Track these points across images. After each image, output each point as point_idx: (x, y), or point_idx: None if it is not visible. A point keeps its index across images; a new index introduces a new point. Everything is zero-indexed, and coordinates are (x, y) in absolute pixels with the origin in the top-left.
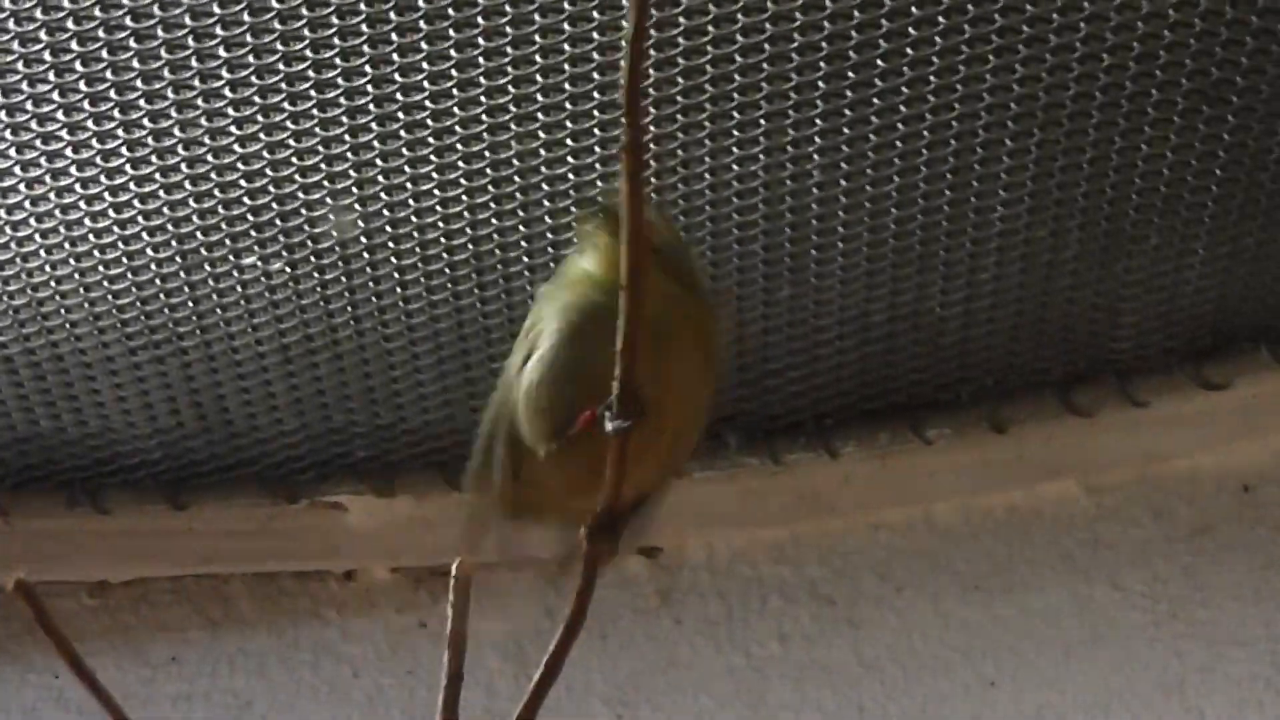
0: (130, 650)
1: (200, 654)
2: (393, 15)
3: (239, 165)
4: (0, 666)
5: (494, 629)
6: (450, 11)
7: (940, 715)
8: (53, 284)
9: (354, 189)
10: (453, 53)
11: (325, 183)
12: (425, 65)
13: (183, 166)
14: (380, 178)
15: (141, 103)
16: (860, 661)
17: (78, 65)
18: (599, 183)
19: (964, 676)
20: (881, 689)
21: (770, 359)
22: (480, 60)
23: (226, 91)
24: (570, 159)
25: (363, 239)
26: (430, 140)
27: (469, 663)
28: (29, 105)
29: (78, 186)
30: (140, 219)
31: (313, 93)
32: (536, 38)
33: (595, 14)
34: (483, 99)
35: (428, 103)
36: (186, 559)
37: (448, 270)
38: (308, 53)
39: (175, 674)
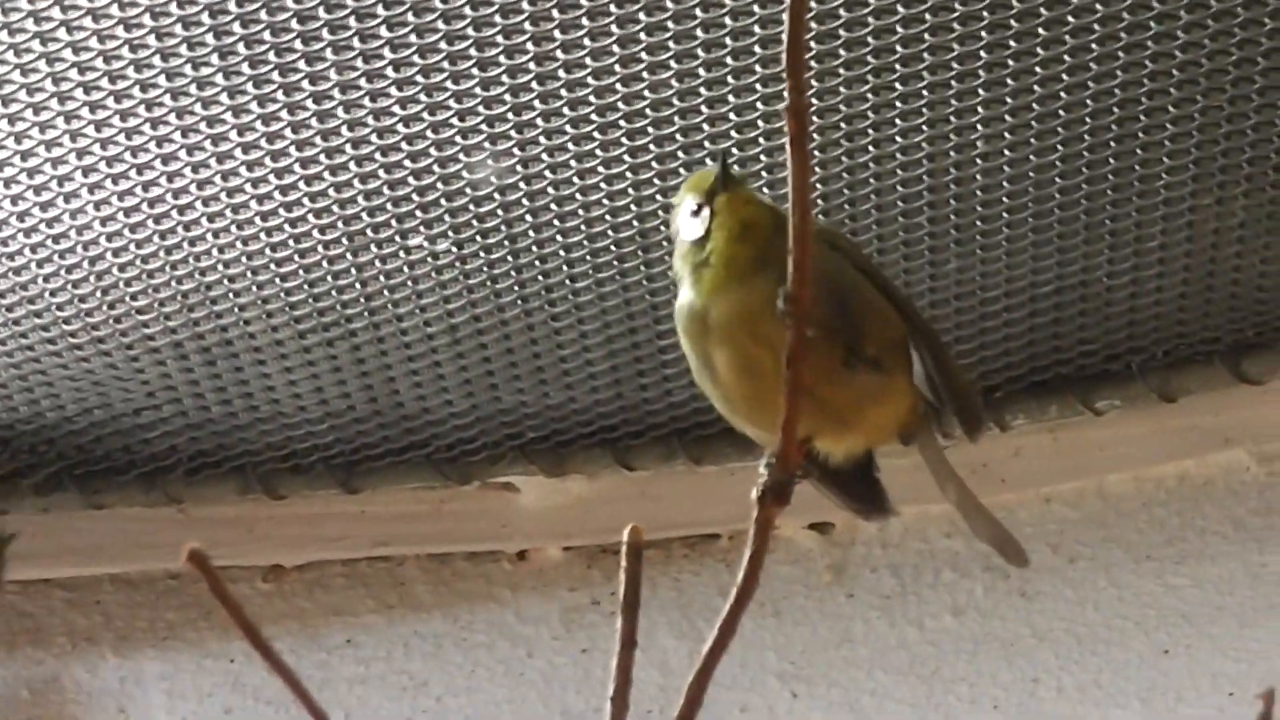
0: (306, 634)
1: (375, 637)
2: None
3: (403, 146)
4: (177, 652)
5: (668, 608)
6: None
7: (1114, 685)
8: (221, 269)
9: (519, 168)
10: (614, 29)
11: (490, 162)
12: (587, 41)
13: (347, 148)
14: (545, 155)
15: (305, 84)
16: (1034, 633)
17: (241, 48)
18: (763, 156)
19: (1138, 646)
20: (1055, 660)
21: (939, 331)
22: (641, 36)
23: (390, 72)
24: (734, 133)
25: (529, 218)
26: (594, 118)
27: (643, 641)
28: (193, 89)
29: (243, 170)
30: (306, 201)
31: (475, 71)
32: (698, 11)
33: None
34: (645, 75)
35: (590, 80)
36: (360, 542)
37: (614, 248)
38: (470, 31)
39: (351, 657)
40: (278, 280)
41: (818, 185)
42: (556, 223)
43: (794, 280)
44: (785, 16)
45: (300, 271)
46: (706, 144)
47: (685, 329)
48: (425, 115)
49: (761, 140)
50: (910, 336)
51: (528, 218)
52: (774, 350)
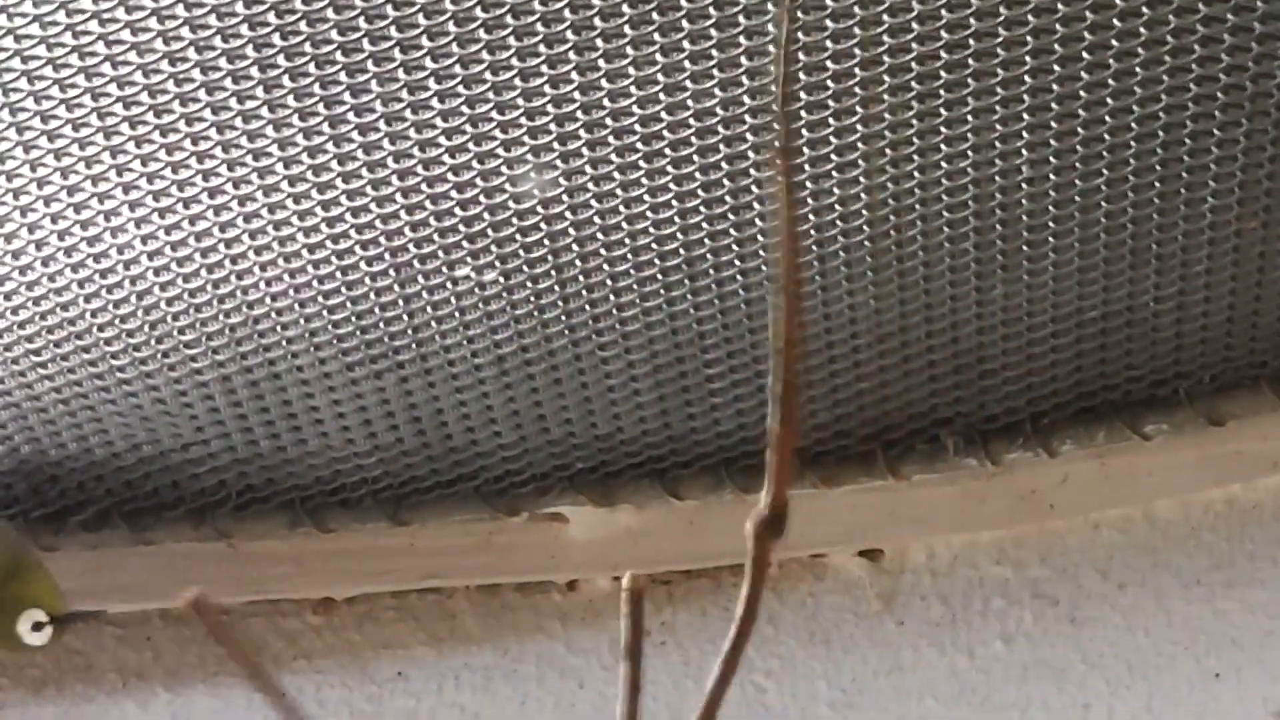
0: (356, 667)
1: (426, 670)
2: (598, 21)
3: (449, 176)
4: (227, 687)
5: (719, 637)
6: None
7: (1165, 710)
8: (269, 303)
9: (565, 197)
10: (659, 57)
11: (533, 175)
12: (631, 71)
13: (394, 179)
14: (591, 185)
15: (351, 116)
16: (1084, 659)
17: (282, 60)
18: (808, 183)
19: (1188, 671)
20: (1106, 686)
21: (985, 359)
22: (685, 64)
23: (434, 103)
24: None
25: (575, 248)
26: (639, 146)
27: (693, 671)
28: (234, 103)
29: (290, 203)
30: (353, 233)
31: (520, 101)
32: (741, 19)
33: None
34: (690, 103)
35: (635, 109)
36: (409, 575)
37: (660, 276)
38: (514, 61)
39: (402, 690)
40: (325, 313)
41: (863, 211)
42: (603, 252)
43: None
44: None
45: (347, 304)
46: (752, 171)
47: None
48: (471, 146)
49: (806, 167)
50: None
51: (574, 247)
52: None
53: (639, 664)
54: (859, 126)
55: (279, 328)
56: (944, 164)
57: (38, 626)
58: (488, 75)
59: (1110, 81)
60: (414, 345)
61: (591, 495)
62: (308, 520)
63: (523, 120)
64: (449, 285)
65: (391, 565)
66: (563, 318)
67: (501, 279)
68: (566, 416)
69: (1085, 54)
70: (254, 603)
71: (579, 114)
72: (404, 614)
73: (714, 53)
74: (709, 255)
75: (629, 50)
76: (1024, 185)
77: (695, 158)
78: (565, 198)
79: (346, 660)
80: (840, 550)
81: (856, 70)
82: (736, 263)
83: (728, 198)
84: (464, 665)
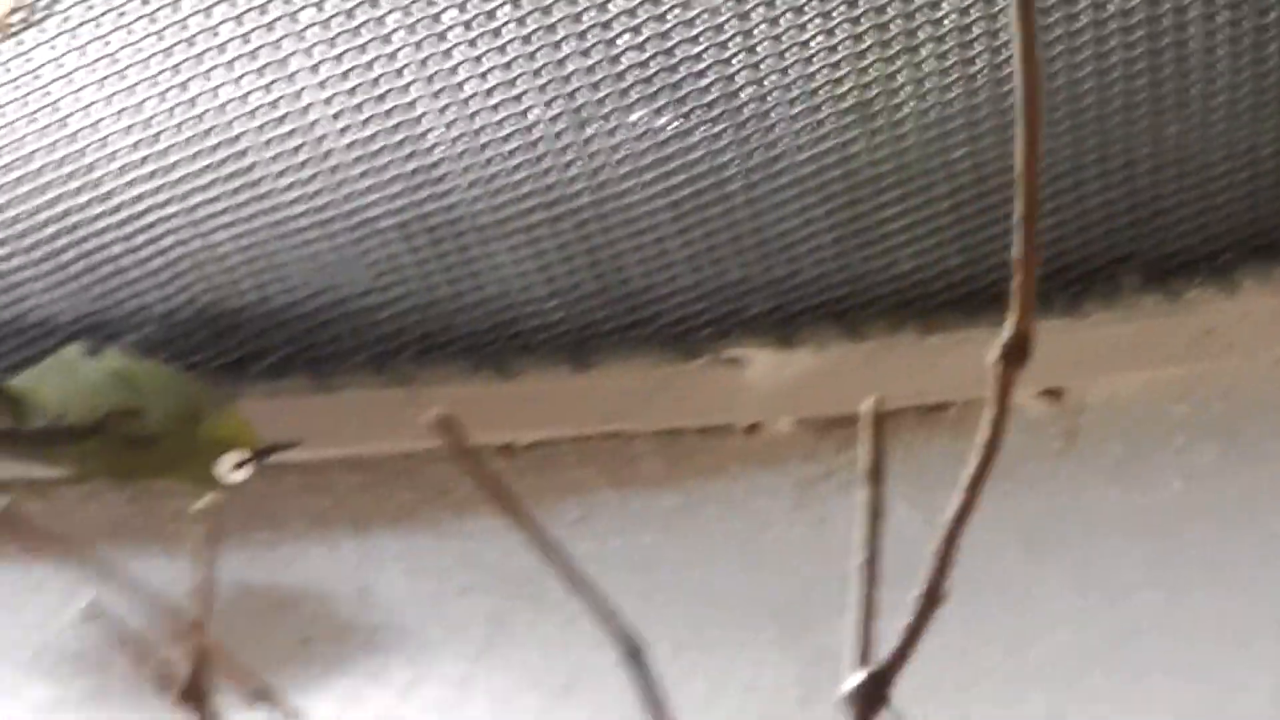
0: (540, 511)
1: (609, 513)
2: None
3: (623, 19)
4: (413, 531)
5: (900, 478)
6: None
7: None
8: (445, 148)
9: (738, 39)
10: None
11: (710, 34)
12: None
13: (565, 24)
14: (763, 26)
15: None
16: (1266, 495)
17: None
18: (982, 22)
19: None
20: None
21: (1161, 196)
22: None
23: None
24: None
25: (749, 89)
26: None
27: None
28: None
29: (464, 48)
30: (528, 77)
31: None
32: None
33: None
34: None
35: None
36: (590, 419)
37: (834, 118)
38: None
39: (585, 533)
40: (501, 158)
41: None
42: (778, 94)
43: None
44: None
45: (524, 149)
46: (926, 9)
47: None
48: None
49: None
50: None
51: (749, 89)
52: None
53: (880, 487)
54: None
55: (456, 173)
56: (1115, 2)
57: (238, 465)
58: None
59: None
60: (590, 190)
61: (770, 338)
62: (488, 365)
63: None
64: (624, 130)
65: (572, 409)
66: (737, 160)
67: (676, 122)
68: (743, 259)
69: None
70: (437, 448)
71: None
72: (586, 458)
73: None
74: (883, 96)
75: None
76: (1197, 23)
77: None
78: (739, 39)
79: (529, 505)
80: (1022, 390)
81: None
82: (911, 102)
83: (903, 37)
84: (647, 508)
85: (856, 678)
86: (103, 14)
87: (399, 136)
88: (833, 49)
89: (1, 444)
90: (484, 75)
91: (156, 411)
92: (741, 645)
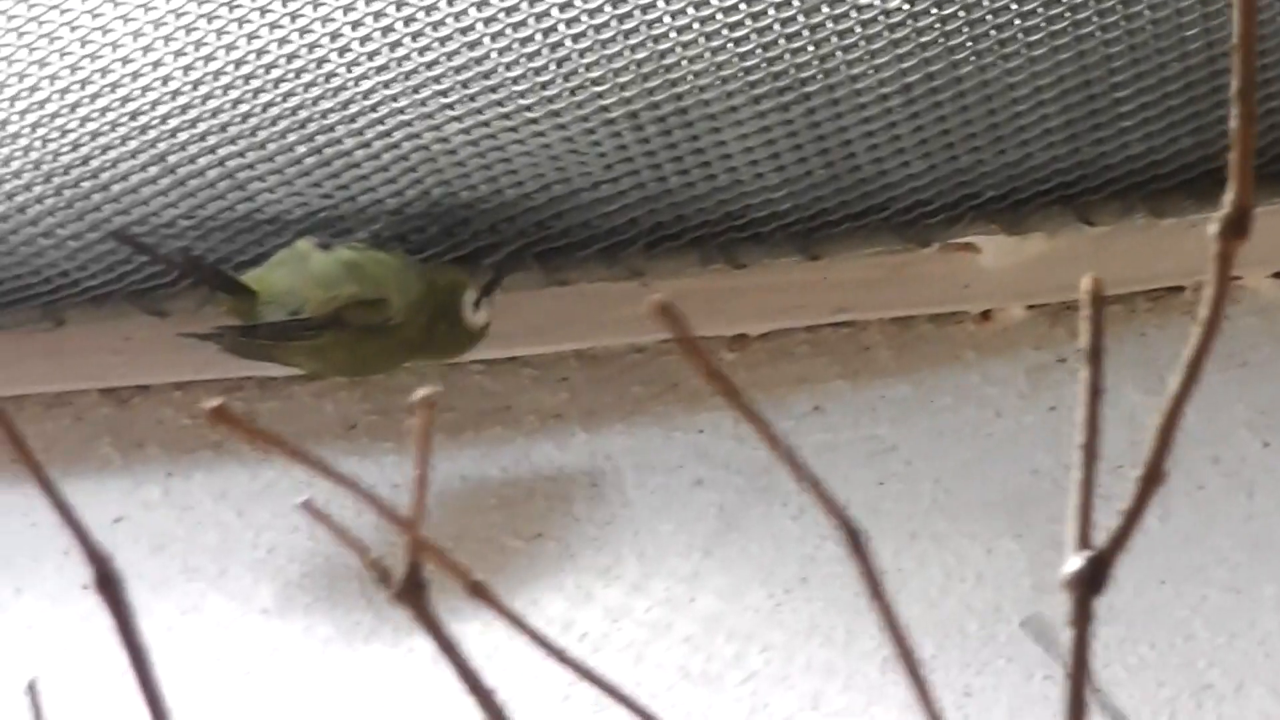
0: (772, 402)
1: (841, 403)
2: None
3: None
4: (643, 425)
5: (1133, 363)
6: None
7: None
8: (674, 36)
9: None
10: None
11: None
12: None
13: None
14: None
15: None
16: None
17: None
18: None
19: None
20: None
21: None
22: None
23: None
24: None
25: None
26: None
27: (1109, 397)
28: None
29: None
30: None
31: None
32: None
33: None
34: None
35: None
36: (822, 309)
37: None
38: None
39: (818, 424)
40: (731, 45)
41: None
42: None
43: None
44: None
45: (754, 35)
46: None
47: None
48: None
49: None
50: None
51: None
52: None
53: (1100, 367)
54: None
55: (685, 62)
56: None
57: (475, 307)
58: None
59: None
60: (820, 75)
61: (1002, 223)
62: (719, 257)
63: None
64: (854, 13)
65: (804, 299)
66: (969, 42)
67: (906, 5)
68: (975, 144)
69: None
70: (667, 340)
71: None
72: (818, 348)
73: None
74: None
75: None
76: None
77: None
78: None
79: (761, 396)
80: (1255, 272)
81: None
82: None
83: None
84: (879, 398)
85: (1075, 562)
86: None
87: (629, 24)
88: None
89: (237, 341)
90: None
91: (394, 299)
92: (974, 535)
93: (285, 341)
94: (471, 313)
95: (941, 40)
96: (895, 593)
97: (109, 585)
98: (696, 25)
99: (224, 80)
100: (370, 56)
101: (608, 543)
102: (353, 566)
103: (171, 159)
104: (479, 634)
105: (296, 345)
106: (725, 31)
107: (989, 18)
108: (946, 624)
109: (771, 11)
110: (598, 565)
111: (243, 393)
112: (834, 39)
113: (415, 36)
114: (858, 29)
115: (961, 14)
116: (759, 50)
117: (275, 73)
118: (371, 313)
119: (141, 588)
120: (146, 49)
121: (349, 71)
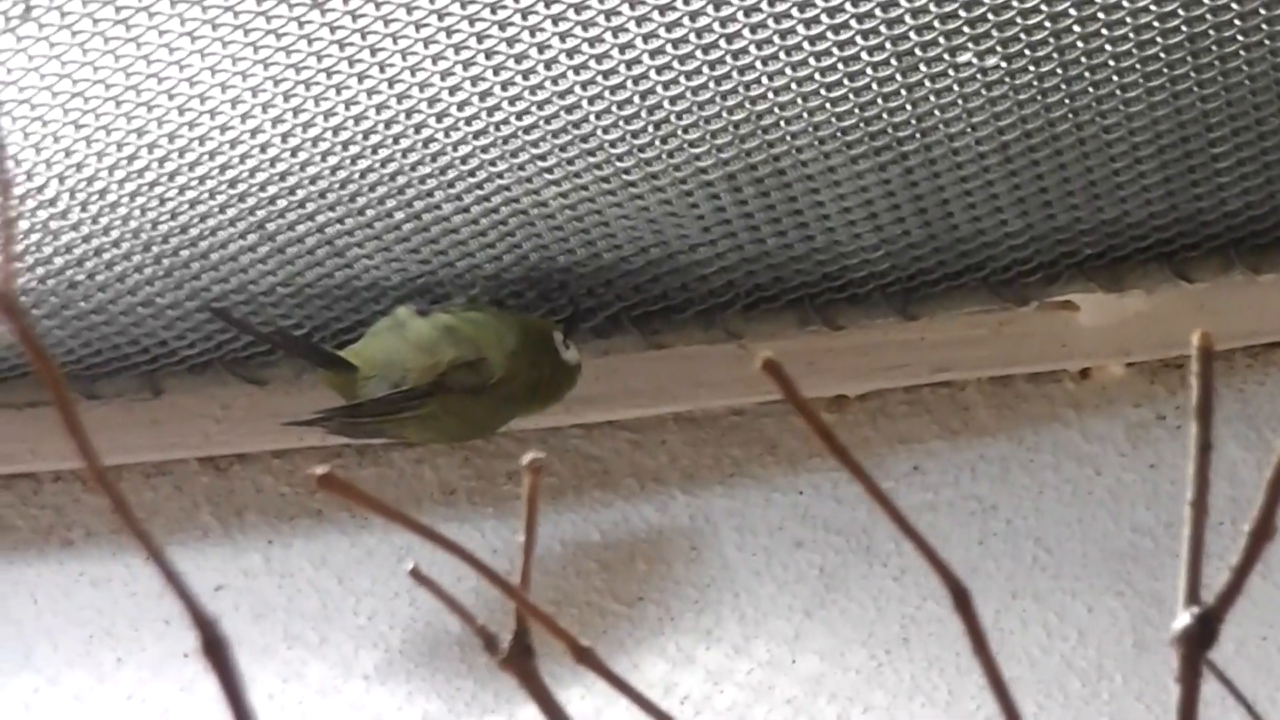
0: (871, 463)
1: (941, 463)
2: None
3: None
4: (744, 487)
5: (1233, 419)
6: None
7: None
8: (771, 97)
9: None
10: None
11: None
12: None
13: None
14: None
15: None
16: None
17: None
18: None
19: None
20: None
21: None
22: None
23: None
24: None
25: (1076, 28)
26: None
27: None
28: None
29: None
30: (854, 23)
31: None
32: None
33: None
34: None
35: None
36: (920, 369)
37: (1163, 55)
38: None
39: (918, 484)
40: (828, 105)
41: None
42: (1104, 32)
43: None
44: None
45: (850, 95)
46: None
47: None
48: None
49: None
50: None
51: (1075, 28)
52: None
53: (1209, 423)
54: None
55: (783, 122)
56: None
57: (565, 346)
58: None
59: None
60: (918, 135)
61: (1100, 281)
62: (817, 318)
63: None
64: (951, 72)
65: (902, 360)
66: (1066, 100)
67: (1003, 63)
68: (1072, 202)
69: None
70: (766, 403)
71: None
72: (917, 408)
73: None
74: (1212, 30)
75: None
76: None
77: None
78: None
79: (861, 457)
80: None
81: None
82: (1240, 37)
83: None
84: (979, 457)
85: (1184, 618)
86: None
87: (726, 86)
88: None
89: (344, 423)
90: (811, 22)
91: (493, 356)
92: (1075, 593)
93: (393, 415)
94: (564, 351)
95: (1039, 98)
96: (997, 652)
97: (215, 650)
98: (794, 86)
99: (322, 147)
100: (468, 122)
101: (708, 605)
102: (454, 633)
103: (270, 227)
104: (580, 699)
105: (405, 417)
106: (822, 92)
107: (1086, 75)
108: (1049, 683)
109: (869, 71)
110: (699, 628)
111: (341, 459)
112: (931, 98)
113: (513, 101)
114: (954, 88)
115: (1059, 71)
116: (856, 110)
117: (373, 139)
118: (474, 374)
119: (243, 655)
120: (245, 116)
121: (447, 137)
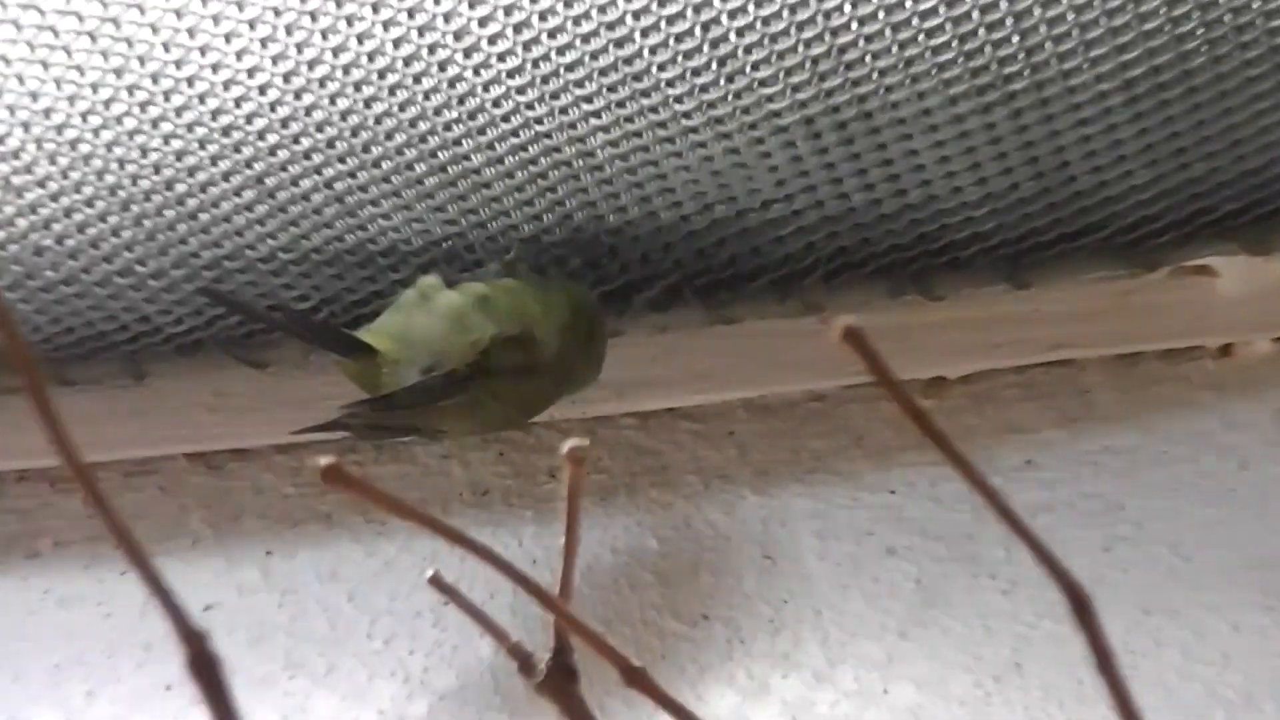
0: (977, 456)
1: (1058, 456)
2: None
3: None
4: (826, 486)
5: None
6: None
7: None
8: (856, 26)
9: None
10: None
11: None
12: None
13: None
14: None
15: None
16: None
17: None
18: None
19: None
20: None
21: None
22: None
23: None
24: None
25: None
26: None
27: None
28: None
29: None
30: None
31: None
32: None
33: None
34: None
35: None
36: (1033, 346)
37: None
38: None
39: (1031, 480)
40: (923, 37)
41: None
42: None
43: None
44: None
45: (949, 25)
46: None
47: None
48: None
49: None
50: None
51: None
52: None
53: None
54: None
55: (869, 57)
56: None
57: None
58: None
59: None
60: (1028, 71)
61: (1243, 241)
62: (912, 287)
63: None
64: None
65: (1012, 335)
66: (1200, 29)
67: None
68: (1209, 150)
69: None
70: (851, 386)
71: None
72: (1029, 392)
73: None
74: None
75: None
76: None
77: None
78: None
79: (965, 448)
80: None
81: None
82: None
83: None
84: (1103, 449)
85: None
86: None
87: (803, 16)
88: None
89: (369, 424)
90: None
91: (538, 330)
92: (1218, 609)
93: (430, 405)
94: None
95: (1168, 28)
96: (1127, 677)
97: (204, 669)
98: (881, 15)
99: (331, 88)
100: (501, 58)
101: (785, 625)
102: (485, 658)
103: (269, 181)
104: None
105: (444, 407)
106: (915, 22)
107: (1222, 2)
108: (1188, 713)
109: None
110: (774, 652)
111: (356, 454)
112: (1042, 28)
113: (553, 33)
114: (1069, 16)
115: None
116: (955, 43)
117: (390, 79)
118: (521, 352)
119: (237, 685)
120: (241, 53)
121: (477, 76)
